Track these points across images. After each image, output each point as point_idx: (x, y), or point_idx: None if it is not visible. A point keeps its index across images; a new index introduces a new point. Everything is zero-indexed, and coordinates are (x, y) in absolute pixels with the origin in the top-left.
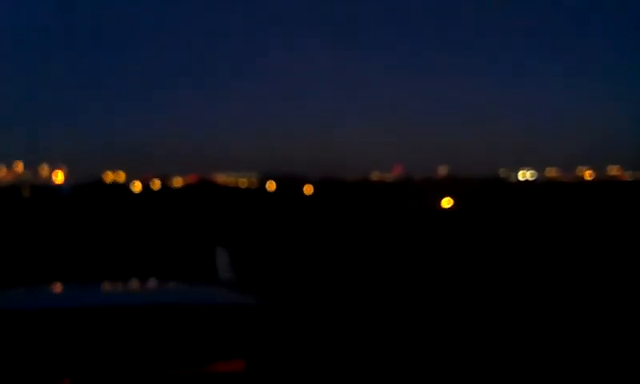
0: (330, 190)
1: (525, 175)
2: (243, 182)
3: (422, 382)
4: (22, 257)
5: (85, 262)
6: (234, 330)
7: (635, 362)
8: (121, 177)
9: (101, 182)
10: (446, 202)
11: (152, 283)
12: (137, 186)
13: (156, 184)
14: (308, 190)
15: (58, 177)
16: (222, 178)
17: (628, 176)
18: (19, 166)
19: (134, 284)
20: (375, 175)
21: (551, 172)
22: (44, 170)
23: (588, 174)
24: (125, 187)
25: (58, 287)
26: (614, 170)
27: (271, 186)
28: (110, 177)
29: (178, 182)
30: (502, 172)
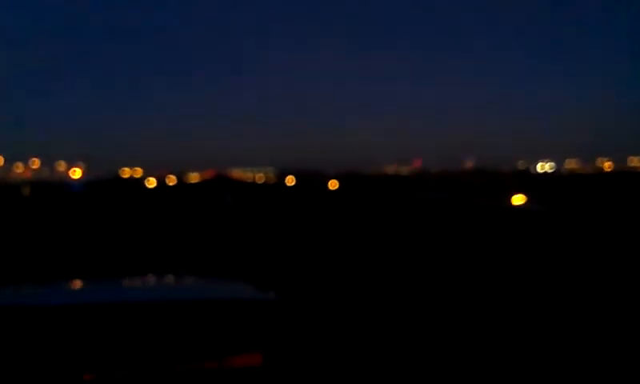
0: (355, 185)
1: (543, 167)
2: (260, 177)
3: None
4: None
5: (79, 258)
6: (252, 325)
7: None
8: (138, 173)
9: (116, 178)
10: (518, 199)
11: (176, 280)
12: (151, 182)
13: (171, 180)
14: (333, 184)
15: (76, 173)
16: (238, 173)
17: None
18: (35, 163)
19: (158, 280)
20: (391, 168)
21: (571, 163)
22: (61, 166)
23: (607, 166)
24: (139, 183)
25: (77, 284)
26: (634, 161)
27: (290, 180)
28: (127, 173)
29: (194, 177)
30: (521, 164)
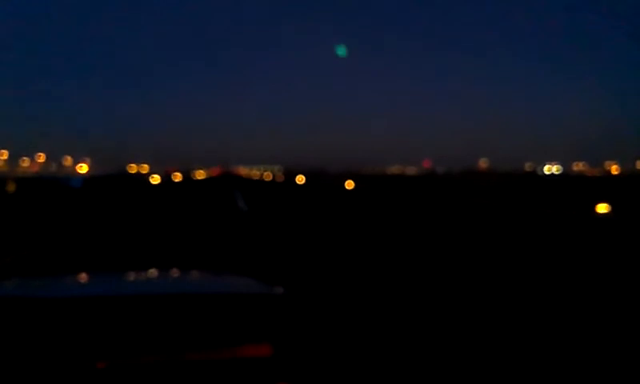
0: (372, 186)
1: (550, 169)
2: (268, 175)
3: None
4: None
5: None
6: (261, 317)
7: None
8: (145, 169)
9: (122, 174)
10: (601, 208)
11: (190, 274)
12: (155, 179)
13: (177, 176)
14: (349, 184)
15: (82, 168)
16: (244, 170)
17: None
18: (41, 158)
19: (171, 274)
20: (396, 169)
21: (578, 166)
22: (67, 161)
23: (614, 169)
24: (143, 179)
25: (89, 277)
26: None
27: (300, 179)
28: (133, 169)
29: (200, 174)
30: (528, 166)
